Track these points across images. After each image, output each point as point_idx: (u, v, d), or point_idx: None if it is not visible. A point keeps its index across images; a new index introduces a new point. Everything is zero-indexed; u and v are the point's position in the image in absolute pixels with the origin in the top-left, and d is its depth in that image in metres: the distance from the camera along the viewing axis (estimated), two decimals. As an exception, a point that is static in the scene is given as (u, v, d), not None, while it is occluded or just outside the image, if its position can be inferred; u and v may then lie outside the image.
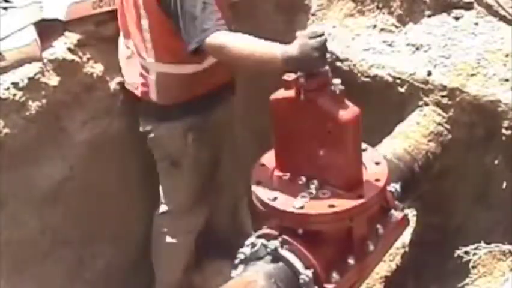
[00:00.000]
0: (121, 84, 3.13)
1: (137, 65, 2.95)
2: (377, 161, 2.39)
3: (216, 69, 2.85)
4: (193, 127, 2.93)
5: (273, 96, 2.30)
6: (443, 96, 2.91)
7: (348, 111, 2.18)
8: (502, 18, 3.02)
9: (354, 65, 3.17)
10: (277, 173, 2.38)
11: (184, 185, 3.04)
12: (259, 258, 2.25)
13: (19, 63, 2.90)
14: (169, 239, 3.13)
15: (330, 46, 3.24)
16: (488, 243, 2.61)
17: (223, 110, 3.02)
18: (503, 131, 2.76)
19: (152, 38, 2.83)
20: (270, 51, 2.33)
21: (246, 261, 2.28)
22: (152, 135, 3.01)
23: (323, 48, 2.20)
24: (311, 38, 2.20)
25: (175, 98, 2.90)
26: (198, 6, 2.55)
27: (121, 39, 3.04)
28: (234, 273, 2.30)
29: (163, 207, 3.12)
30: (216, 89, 2.93)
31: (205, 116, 2.94)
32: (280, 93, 2.28)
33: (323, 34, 2.22)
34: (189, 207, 3.08)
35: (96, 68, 3.10)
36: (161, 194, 3.12)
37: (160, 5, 2.70)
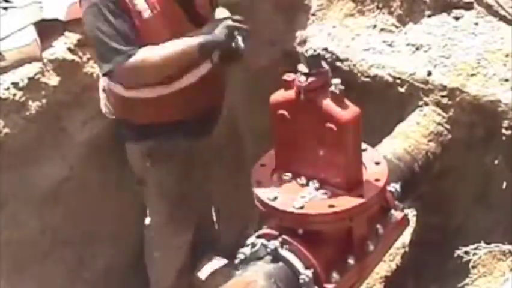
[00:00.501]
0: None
1: (100, 82, 2.96)
2: (377, 161, 2.39)
3: (172, 101, 2.75)
4: (151, 152, 2.86)
5: (273, 97, 2.30)
6: (443, 96, 2.91)
7: (348, 111, 2.18)
8: (502, 18, 3.02)
9: (354, 65, 3.17)
10: (277, 173, 2.38)
11: (156, 204, 3.02)
12: (259, 258, 2.25)
13: (19, 63, 2.90)
14: (155, 253, 3.12)
15: (330, 46, 3.27)
16: (488, 243, 2.61)
17: (191, 143, 2.89)
18: (503, 131, 2.76)
19: None
20: (190, 42, 2.63)
21: (246, 261, 2.28)
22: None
23: (228, 29, 2.62)
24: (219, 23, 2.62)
25: (121, 115, 2.88)
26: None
27: None
28: (234, 273, 2.30)
29: (147, 219, 3.11)
30: (176, 121, 2.80)
31: (159, 144, 2.84)
32: (280, 93, 2.28)
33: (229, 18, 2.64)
34: (168, 225, 3.03)
35: (96, 68, 3.10)
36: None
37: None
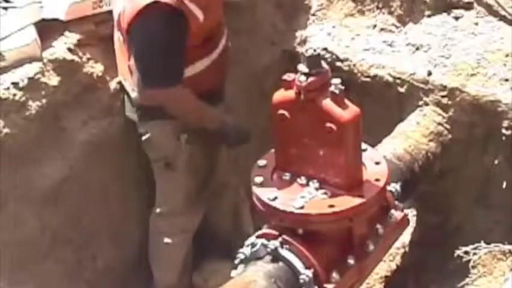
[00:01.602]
0: (121, 84, 3.13)
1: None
2: (377, 161, 2.39)
3: (203, 78, 2.85)
4: (185, 128, 2.90)
5: (273, 97, 2.30)
6: (443, 96, 2.91)
7: (348, 111, 2.18)
8: (502, 18, 3.02)
9: (354, 65, 3.17)
10: (277, 173, 2.38)
11: (179, 186, 3.02)
12: (259, 258, 2.25)
13: (19, 63, 2.90)
14: (165, 239, 3.10)
15: (330, 46, 3.27)
16: (488, 243, 2.61)
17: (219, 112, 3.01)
18: (503, 131, 2.76)
19: None
20: (212, 115, 2.90)
21: (246, 261, 2.28)
22: (146, 136, 2.98)
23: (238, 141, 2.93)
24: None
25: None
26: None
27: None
28: (234, 273, 2.30)
29: (159, 208, 3.10)
30: (206, 94, 2.89)
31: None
32: (280, 94, 2.28)
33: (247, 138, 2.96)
34: (185, 208, 3.06)
35: (96, 68, 3.10)
36: (157, 194, 3.10)
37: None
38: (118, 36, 2.94)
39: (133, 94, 2.93)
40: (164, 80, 2.73)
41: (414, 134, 2.91)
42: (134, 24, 2.69)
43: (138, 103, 2.92)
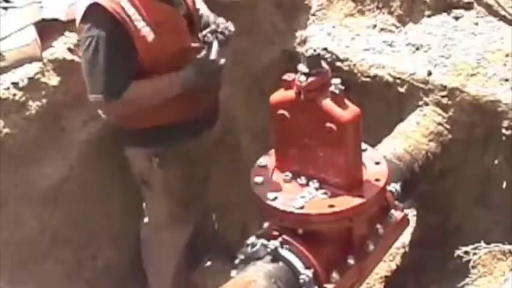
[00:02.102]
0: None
1: None
2: (377, 161, 2.39)
3: (166, 111, 2.70)
4: (157, 153, 2.81)
5: (272, 97, 2.30)
6: (443, 96, 2.91)
7: (348, 111, 2.18)
8: (502, 18, 3.02)
9: (354, 65, 3.17)
10: (277, 173, 2.38)
11: (158, 204, 2.98)
12: (259, 258, 2.25)
13: (19, 63, 2.90)
14: (155, 250, 3.10)
15: (330, 46, 3.27)
16: (488, 243, 2.61)
17: (197, 141, 2.87)
18: (503, 131, 2.76)
19: None
20: (169, 78, 2.63)
21: (246, 261, 2.28)
22: (124, 153, 2.92)
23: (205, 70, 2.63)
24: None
25: (122, 123, 2.82)
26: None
27: None
28: (234, 273, 2.30)
29: (145, 219, 3.09)
30: (181, 122, 2.76)
31: (170, 146, 2.80)
32: (280, 94, 2.28)
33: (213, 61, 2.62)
34: (169, 225, 3.01)
35: (96, 68, 3.10)
36: (143, 205, 3.08)
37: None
38: None
39: (103, 115, 2.85)
40: (106, 93, 2.59)
41: (414, 134, 2.91)
42: (79, 29, 2.62)
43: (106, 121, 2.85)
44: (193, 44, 2.70)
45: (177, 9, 2.69)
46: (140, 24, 2.53)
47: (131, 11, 2.52)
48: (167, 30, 2.60)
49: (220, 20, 2.75)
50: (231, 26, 2.72)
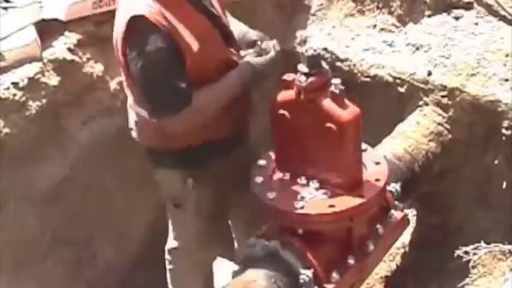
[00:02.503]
0: (121, 84, 3.13)
1: (131, 113, 2.72)
2: (377, 161, 2.39)
3: (204, 127, 2.54)
4: (192, 173, 2.67)
5: (273, 97, 2.30)
6: (443, 96, 2.91)
7: (348, 111, 2.18)
8: (502, 18, 3.02)
9: (354, 65, 3.17)
10: (277, 173, 2.38)
11: (189, 226, 2.83)
12: (259, 258, 2.25)
13: (19, 63, 2.90)
14: (184, 273, 2.95)
15: (330, 46, 3.27)
16: (488, 243, 2.61)
17: (230, 160, 2.69)
18: (503, 131, 2.76)
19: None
20: (230, 82, 2.50)
21: (246, 261, 2.28)
22: (155, 176, 2.78)
23: (271, 63, 2.42)
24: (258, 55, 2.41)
25: (157, 144, 2.66)
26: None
27: None
28: (234, 273, 2.30)
29: (173, 243, 2.93)
30: (214, 142, 2.60)
31: (204, 168, 2.66)
32: (281, 94, 2.28)
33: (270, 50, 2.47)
34: (198, 246, 2.86)
35: (96, 68, 3.10)
36: (170, 229, 2.93)
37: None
38: None
39: (133, 133, 2.70)
40: (177, 103, 2.40)
41: (414, 134, 2.91)
42: (123, 43, 2.46)
43: (142, 145, 2.71)
44: (234, 57, 2.59)
45: (213, 20, 2.57)
46: (185, 34, 2.42)
47: (175, 21, 2.41)
48: (209, 41, 2.49)
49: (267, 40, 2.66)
50: (277, 46, 2.60)
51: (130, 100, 2.62)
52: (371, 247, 2.34)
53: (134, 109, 2.62)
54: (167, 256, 2.97)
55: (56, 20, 3.04)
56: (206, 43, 2.45)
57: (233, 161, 2.67)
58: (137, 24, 2.38)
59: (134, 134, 2.69)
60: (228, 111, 2.53)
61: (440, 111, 2.92)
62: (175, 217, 2.86)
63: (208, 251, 2.90)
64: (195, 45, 2.43)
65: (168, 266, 2.99)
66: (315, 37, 3.39)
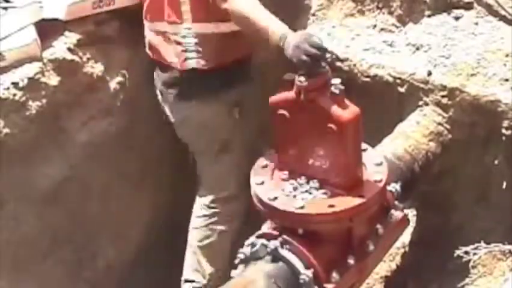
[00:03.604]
0: (121, 84, 3.13)
1: (172, 44, 2.91)
2: (377, 161, 2.39)
3: (228, 44, 2.80)
4: (238, 100, 2.84)
5: (273, 97, 2.30)
6: (443, 96, 2.91)
7: (348, 111, 2.18)
8: (502, 18, 3.01)
9: (354, 65, 3.17)
10: (277, 172, 2.38)
11: (233, 169, 2.88)
12: (259, 258, 2.25)
13: (19, 63, 2.90)
14: (219, 227, 2.97)
15: (330, 46, 3.27)
16: (488, 243, 2.61)
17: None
18: (503, 131, 2.76)
19: None
20: (274, 29, 2.49)
21: (246, 261, 2.28)
22: (193, 120, 2.87)
23: (313, 56, 2.27)
24: (309, 43, 2.29)
25: (218, 60, 2.84)
26: None
27: (148, 32, 3.03)
28: (234, 273, 2.30)
29: (212, 195, 2.95)
30: (231, 65, 2.85)
31: (247, 86, 2.88)
32: (281, 94, 2.28)
33: (322, 48, 2.32)
34: (239, 192, 2.89)
35: (96, 68, 3.10)
36: (206, 183, 2.95)
37: None
38: None
39: (193, 64, 2.87)
40: None
41: (414, 134, 2.90)
42: None
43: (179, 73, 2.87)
44: None
45: None
46: None
47: None
48: None
49: None
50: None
51: (188, 25, 2.83)
52: (371, 247, 2.34)
53: (194, 31, 2.82)
54: (201, 211, 2.95)
55: (56, 20, 3.04)
56: None
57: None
58: None
59: (195, 62, 2.84)
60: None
61: (440, 111, 2.92)
62: (221, 162, 2.88)
63: (245, 200, 2.80)
64: None
65: (202, 223, 2.97)
66: (315, 37, 3.39)
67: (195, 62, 2.88)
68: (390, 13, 3.27)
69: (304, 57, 2.25)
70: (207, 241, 3.05)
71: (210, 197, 2.99)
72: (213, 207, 3.01)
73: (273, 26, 2.50)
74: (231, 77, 2.85)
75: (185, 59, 2.89)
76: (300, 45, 2.28)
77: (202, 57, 2.86)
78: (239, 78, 2.87)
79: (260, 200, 2.30)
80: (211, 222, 3.01)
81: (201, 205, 3.03)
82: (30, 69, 2.90)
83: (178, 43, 2.90)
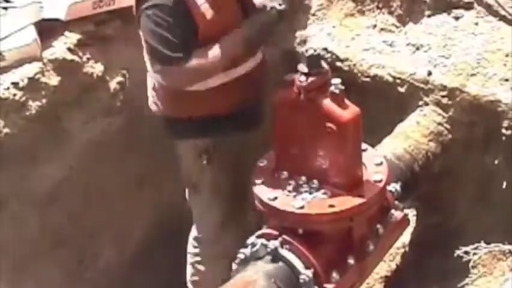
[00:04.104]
0: (121, 84, 3.13)
1: (149, 80, 2.80)
2: (377, 161, 2.39)
3: (218, 98, 2.63)
4: (207, 149, 2.71)
5: (273, 97, 2.30)
6: (443, 96, 2.91)
7: (348, 111, 2.18)
8: (502, 18, 3.01)
9: (354, 65, 3.17)
10: (277, 173, 2.38)
11: (208, 210, 2.82)
12: (259, 258, 2.25)
13: (19, 63, 2.90)
14: (203, 267, 2.94)
15: (330, 46, 3.27)
16: (488, 243, 2.61)
17: (244, 138, 2.76)
18: (503, 131, 2.76)
19: None
20: (230, 40, 2.54)
21: (246, 261, 2.28)
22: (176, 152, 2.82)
23: (268, 19, 2.54)
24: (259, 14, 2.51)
25: (172, 111, 2.72)
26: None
27: None
28: (234, 273, 2.30)
29: (195, 233, 2.92)
30: (233, 112, 2.66)
31: (220, 139, 2.71)
32: (281, 93, 2.28)
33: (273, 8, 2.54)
34: (220, 234, 2.84)
35: (96, 68, 3.10)
36: (193, 220, 2.92)
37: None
38: None
39: (151, 104, 2.77)
40: (174, 50, 2.48)
41: (414, 134, 2.90)
42: (137, 7, 2.57)
43: (160, 115, 2.76)
44: None
45: None
46: (200, 1, 2.52)
47: None
48: (224, 9, 2.58)
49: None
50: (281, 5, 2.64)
51: (148, 65, 2.69)
52: (371, 247, 2.34)
53: (149, 75, 2.70)
54: (189, 248, 2.93)
55: (56, 20, 3.04)
56: (220, 12, 2.54)
57: (248, 139, 2.74)
58: None
59: (151, 103, 2.74)
60: (236, 85, 2.61)
61: (440, 111, 2.92)
62: (193, 202, 2.85)
63: (229, 242, 2.81)
64: (208, 13, 2.53)
65: (190, 260, 2.95)
66: (315, 37, 3.39)
67: (154, 106, 2.77)
68: (390, 13, 3.27)
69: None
70: (195, 278, 3.01)
71: (193, 234, 2.95)
72: (195, 246, 2.96)
73: (233, 36, 2.56)
74: (197, 128, 2.70)
75: (153, 103, 2.78)
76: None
77: (163, 105, 2.74)
78: (207, 130, 2.69)
79: (260, 200, 2.30)
80: (195, 261, 2.97)
81: (189, 241, 2.99)
82: (30, 69, 2.90)
83: (150, 85, 2.79)
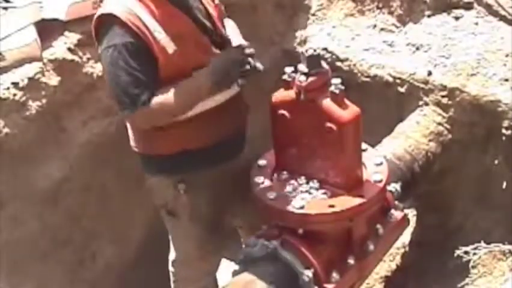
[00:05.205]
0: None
1: None
2: (377, 161, 2.39)
3: (183, 135, 2.51)
4: (184, 181, 2.61)
5: (273, 97, 2.30)
6: (443, 96, 2.91)
7: (348, 111, 2.18)
8: (502, 18, 3.02)
9: (354, 65, 3.17)
10: (277, 172, 2.38)
11: (186, 234, 2.76)
12: (259, 258, 2.25)
13: (19, 63, 2.90)
14: (187, 284, 2.89)
15: (330, 46, 3.27)
16: (488, 243, 2.61)
17: (223, 168, 2.63)
18: (503, 131, 2.76)
19: None
20: (198, 80, 2.41)
21: (246, 261, 2.28)
22: (148, 183, 2.73)
23: (230, 62, 2.36)
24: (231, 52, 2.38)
25: (143, 149, 2.64)
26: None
27: None
28: (233, 273, 2.30)
29: (174, 255, 2.88)
30: (208, 146, 2.55)
31: (193, 174, 2.59)
32: (281, 93, 2.28)
33: (243, 47, 2.37)
34: (198, 255, 2.79)
35: (96, 68, 3.10)
36: (170, 241, 2.87)
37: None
38: None
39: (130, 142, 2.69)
40: (133, 103, 2.37)
41: (414, 134, 2.91)
42: (96, 39, 2.44)
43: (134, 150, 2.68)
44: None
45: (200, 24, 2.53)
46: (160, 35, 2.39)
47: (149, 22, 2.39)
48: (189, 42, 2.46)
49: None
50: (259, 66, 2.44)
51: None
52: (371, 247, 2.34)
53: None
54: (170, 268, 2.91)
55: (56, 20, 3.04)
56: (184, 46, 2.41)
57: (227, 168, 2.61)
58: (108, 22, 2.37)
59: (133, 143, 2.66)
60: (209, 120, 2.49)
61: (440, 111, 2.92)
62: (170, 226, 2.79)
63: (210, 260, 2.82)
64: (170, 47, 2.40)
65: (172, 278, 2.92)
66: (315, 37, 3.39)
67: (131, 140, 2.67)
68: (390, 13, 3.27)
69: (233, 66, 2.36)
70: None
71: (172, 257, 2.90)
72: (175, 267, 2.91)
73: (197, 77, 2.42)
74: (173, 164, 2.59)
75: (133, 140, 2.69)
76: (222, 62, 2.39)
77: (136, 142, 2.66)
78: (179, 166, 2.59)
79: (260, 200, 2.30)
80: (173, 281, 2.94)
81: (169, 262, 2.94)
82: (30, 69, 2.90)
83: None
